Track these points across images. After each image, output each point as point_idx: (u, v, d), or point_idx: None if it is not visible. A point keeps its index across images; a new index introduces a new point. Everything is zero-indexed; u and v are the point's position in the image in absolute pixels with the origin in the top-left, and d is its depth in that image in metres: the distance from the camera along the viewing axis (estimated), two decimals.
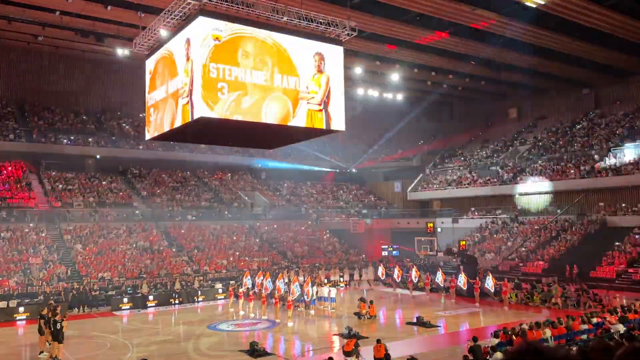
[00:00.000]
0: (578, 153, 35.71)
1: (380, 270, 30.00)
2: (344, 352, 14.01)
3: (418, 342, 17.25)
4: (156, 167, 38.21)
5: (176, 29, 15.68)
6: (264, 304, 22.39)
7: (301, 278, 24.72)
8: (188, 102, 14.80)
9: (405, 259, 33.99)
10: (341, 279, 30.68)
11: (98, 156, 35.86)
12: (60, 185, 32.79)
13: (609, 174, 31.70)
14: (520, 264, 30.07)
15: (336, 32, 16.70)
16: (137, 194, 35.43)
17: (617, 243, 28.50)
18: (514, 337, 13.11)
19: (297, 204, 40.93)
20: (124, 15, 26.15)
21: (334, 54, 16.85)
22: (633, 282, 25.33)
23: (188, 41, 14.96)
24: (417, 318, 19.79)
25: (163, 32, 16.22)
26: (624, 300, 20.67)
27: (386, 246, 35.27)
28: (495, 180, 38.32)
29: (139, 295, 24.69)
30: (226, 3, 14.69)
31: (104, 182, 34.75)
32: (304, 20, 16.03)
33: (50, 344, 15.42)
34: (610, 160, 32.71)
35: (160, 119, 17.15)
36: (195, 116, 14.48)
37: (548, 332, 13.67)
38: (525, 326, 13.97)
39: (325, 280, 26.87)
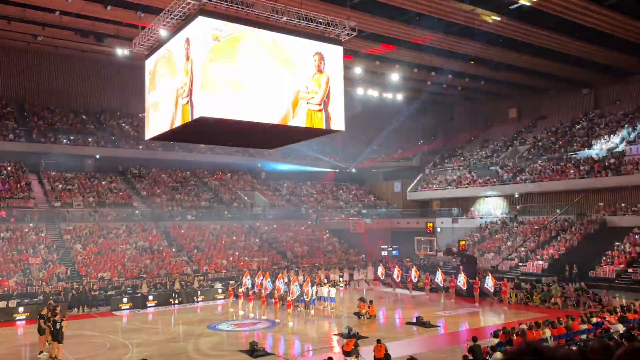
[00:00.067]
0: (578, 153, 35.72)
1: (380, 270, 30.01)
2: (344, 352, 14.01)
3: (418, 342, 17.25)
4: (156, 167, 38.20)
5: (176, 29, 15.68)
6: (264, 304, 22.40)
7: (301, 278, 24.73)
8: (188, 102, 14.80)
9: (405, 258, 33.98)
10: (341, 279, 30.69)
11: (98, 156, 35.86)
12: (60, 185, 32.78)
13: (608, 173, 31.71)
14: (520, 264, 30.08)
15: (336, 32, 16.70)
16: (136, 194, 35.42)
17: (616, 243, 28.51)
18: (513, 337, 13.11)
19: (297, 204, 40.93)
20: (123, 15, 26.13)
21: (334, 54, 16.85)
22: (633, 282, 25.33)
23: (188, 41, 14.96)
24: (417, 318, 19.80)
25: (163, 32, 16.21)
26: (624, 300, 20.68)
27: (386, 246, 35.26)
28: (495, 180, 38.33)
29: (139, 295, 24.69)
30: (226, 3, 14.69)
31: (103, 182, 34.74)
32: (303, 20, 16.02)
33: (50, 344, 15.42)
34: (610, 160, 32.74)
35: (160, 118, 17.15)
36: (195, 116, 14.48)
37: (548, 332, 13.68)
38: (524, 326, 13.97)
39: (325, 280, 26.88)
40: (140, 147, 36.50)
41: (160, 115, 17.14)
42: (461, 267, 27.62)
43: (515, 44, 30.38)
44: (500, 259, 31.72)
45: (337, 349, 15.57)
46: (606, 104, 39.74)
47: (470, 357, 11.95)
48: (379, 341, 13.56)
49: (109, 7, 25.25)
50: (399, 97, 44.93)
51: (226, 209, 36.94)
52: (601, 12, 25.91)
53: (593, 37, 29.20)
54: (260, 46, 15.32)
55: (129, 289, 25.45)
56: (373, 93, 43.42)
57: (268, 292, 23.03)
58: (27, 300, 22.69)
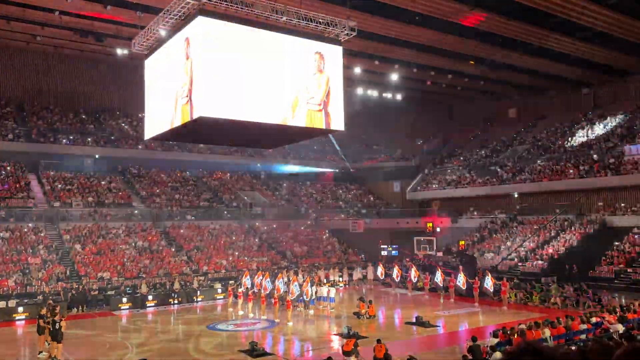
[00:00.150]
0: (577, 153, 35.73)
1: (380, 269, 30.00)
2: (343, 352, 14.00)
3: (417, 342, 17.26)
4: (155, 167, 38.18)
5: (175, 29, 15.67)
6: (263, 303, 22.41)
7: (300, 278, 24.73)
8: (187, 102, 14.79)
9: (404, 258, 33.99)
10: (340, 279, 30.69)
11: (97, 156, 35.84)
12: (59, 185, 32.76)
13: (608, 173, 31.72)
14: (520, 264, 30.07)
15: (335, 32, 16.69)
16: (136, 194, 35.40)
17: (616, 243, 28.51)
18: (513, 337, 13.10)
19: (297, 203, 40.93)
20: (123, 15, 26.13)
21: (334, 53, 16.85)
22: (632, 281, 25.33)
23: (187, 41, 14.95)
24: (416, 318, 19.80)
25: (162, 32, 16.20)
26: (623, 300, 20.68)
27: (385, 246, 35.26)
28: (494, 180, 38.34)
29: (138, 295, 24.68)
30: (225, 3, 14.68)
31: (103, 182, 34.72)
32: (303, 20, 16.02)
33: (49, 344, 15.42)
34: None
35: (160, 118, 17.14)
36: (195, 116, 14.48)
37: (547, 332, 13.67)
38: (524, 326, 13.97)
39: (325, 280, 26.88)
40: (140, 147, 36.48)
41: (159, 115, 17.14)
42: (461, 267, 27.63)
43: (515, 44, 30.38)
44: (499, 258, 31.72)
45: (337, 349, 15.56)
46: (605, 103, 39.76)
47: (470, 357, 11.95)
48: (379, 341, 13.56)
49: (108, 7, 25.25)
50: (399, 97, 44.92)
51: (225, 209, 36.94)
52: (601, 12, 25.92)
53: (593, 37, 29.22)
54: (260, 46, 15.31)
55: (128, 289, 25.43)
56: (373, 93, 43.43)
57: (267, 292, 23.03)
58: (26, 300, 22.68)
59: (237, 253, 32.07)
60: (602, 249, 28.50)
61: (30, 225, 29.05)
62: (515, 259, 30.79)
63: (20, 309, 21.88)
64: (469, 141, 47.24)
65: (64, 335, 15.45)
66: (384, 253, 34.85)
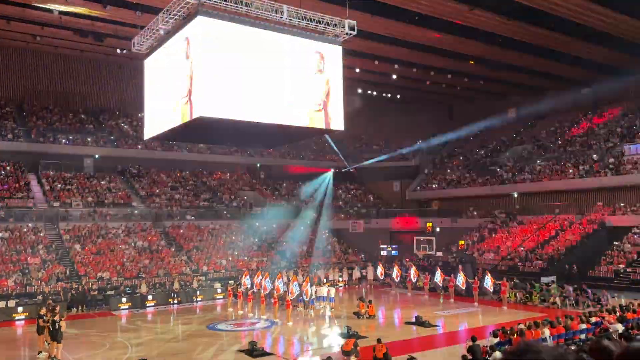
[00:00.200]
0: (577, 153, 35.74)
1: (379, 269, 30.00)
2: (343, 352, 14.01)
3: (417, 342, 17.25)
4: (155, 167, 38.16)
5: (175, 28, 15.67)
6: (263, 303, 22.41)
7: (300, 277, 24.73)
8: (187, 101, 14.79)
9: (404, 258, 33.98)
10: (340, 279, 30.68)
11: (97, 156, 35.82)
12: (59, 185, 32.75)
13: (607, 173, 31.72)
14: (519, 264, 30.08)
15: (335, 32, 16.69)
16: (135, 194, 35.39)
17: (615, 243, 28.52)
18: (512, 336, 13.10)
19: (296, 203, 40.90)
20: (122, 14, 26.11)
21: (334, 53, 16.85)
22: (632, 281, 25.35)
23: (187, 40, 14.95)
24: (416, 318, 19.79)
25: (162, 32, 16.19)
26: (623, 300, 20.68)
27: (385, 246, 35.26)
28: (494, 179, 38.35)
29: (138, 295, 24.67)
30: (225, 2, 14.68)
31: (102, 182, 34.70)
32: (303, 19, 16.01)
33: (48, 344, 15.41)
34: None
35: (159, 118, 17.14)
36: (194, 116, 14.48)
37: (547, 332, 13.67)
38: (523, 326, 13.97)
39: (324, 280, 26.87)
40: (140, 146, 36.47)
41: (159, 115, 17.14)
42: (460, 266, 27.62)
43: (515, 44, 30.37)
44: (499, 258, 31.73)
45: (336, 349, 15.56)
46: (605, 103, 39.75)
47: (470, 357, 11.95)
48: (379, 341, 13.57)
49: (108, 7, 25.24)
50: (398, 96, 44.88)
51: (225, 208, 36.93)
52: (601, 12, 25.92)
53: (593, 36, 29.20)
54: (259, 46, 15.31)
55: (128, 288, 25.43)
56: (372, 93, 43.41)
57: (267, 291, 23.02)
58: (26, 300, 22.68)
59: (236, 253, 32.06)
60: (601, 248, 28.51)
61: (29, 225, 29.04)
62: (515, 259, 30.80)
63: (20, 309, 21.88)
64: (468, 141, 47.25)
65: (64, 335, 15.45)
66: (383, 253, 34.86)
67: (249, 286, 23.86)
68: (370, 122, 46.60)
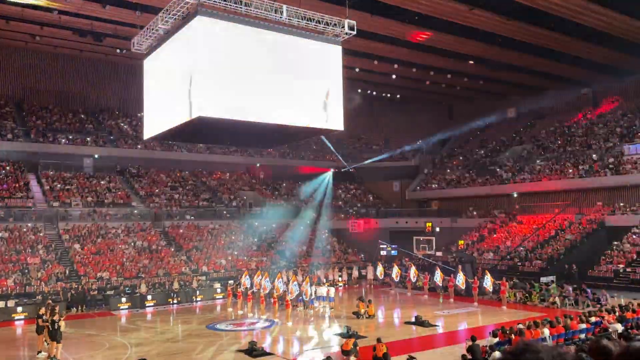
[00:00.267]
0: (576, 152, 35.76)
1: (379, 269, 30.00)
2: (343, 352, 14.00)
3: (416, 342, 17.25)
4: (154, 167, 38.16)
5: (175, 28, 15.66)
6: (263, 303, 22.41)
7: (300, 277, 24.72)
8: (187, 101, 14.78)
9: (404, 258, 33.98)
10: (340, 279, 30.69)
11: (96, 156, 35.81)
12: (59, 185, 32.74)
13: (607, 173, 31.73)
14: (519, 264, 30.09)
15: (335, 32, 16.68)
16: (135, 194, 35.38)
17: (615, 242, 28.53)
18: (512, 336, 13.10)
19: (296, 203, 40.90)
20: (122, 14, 26.11)
21: (333, 53, 16.84)
22: (631, 281, 25.36)
23: (187, 40, 14.94)
24: (416, 317, 19.79)
25: (161, 31, 16.18)
26: (622, 300, 20.69)
27: (385, 246, 35.26)
28: (494, 179, 38.36)
29: (137, 295, 24.66)
30: (224, 2, 14.67)
31: (102, 182, 34.70)
32: (302, 19, 16.00)
33: (48, 344, 15.40)
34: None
35: (159, 118, 17.13)
36: (194, 115, 14.47)
37: (546, 331, 13.67)
38: (522, 326, 13.97)
39: (324, 280, 26.88)
40: (139, 146, 36.47)
41: (159, 115, 17.13)
42: (460, 266, 27.61)
43: (515, 44, 30.37)
44: (499, 258, 31.74)
45: (336, 349, 15.56)
46: (605, 103, 39.77)
47: (469, 357, 11.95)
48: (379, 340, 13.57)
49: (107, 7, 25.23)
50: (398, 96, 44.87)
51: (225, 208, 36.93)
52: (601, 12, 25.92)
53: (592, 36, 29.21)
54: (259, 46, 15.31)
55: (127, 288, 25.42)
56: (372, 92, 43.41)
57: (267, 291, 23.02)
58: (25, 300, 22.67)
59: (236, 253, 32.06)
60: (601, 248, 28.53)
61: (29, 225, 29.03)
62: (515, 259, 30.81)
63: (20, 308, 21.88)
64: (468, 141, 47.26)
65: (63, 335, 15.44)
66: (383, 253, 34.85)
67: (248, 286, 23.86)
68: (370, 122, 46.61)
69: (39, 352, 15.71)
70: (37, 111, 36.72)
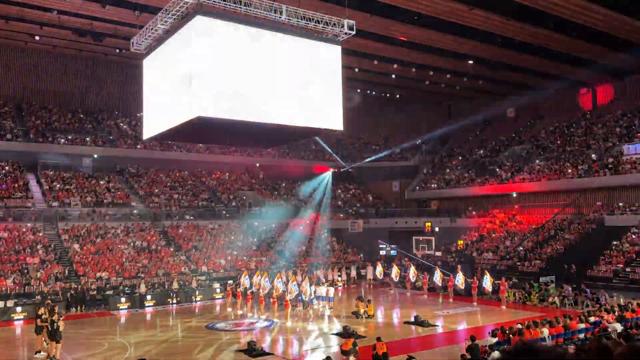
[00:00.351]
0: (576, 152, 35.77)
1: (379, 269, 30.00)
2: (342, 352, 14.00)
3: (416, 342, 17.25)
4: (154, 167, 38.15)
5: (174, 28, 15.65)
6: (262, 303, 22.40)
7: (299, 277, 24.72)
8: (186, 101, 14.78)
9: (403, 258, 34.00)
10: (339, 278, 30.69)
11: (95, 155, 35.79)
12: (58, 185, 32.72)
13: (606, 173, 31.75)
14: (518, 263, 30.10)
15: (334, 32, 16.68)
16: (134, 194, 35.37)
17: (614, 242, 28.54)
18: (511, 336, 13.11)
19: (295, 203, 40.90)
20: (121, 14, 26.10)
21: (333, 53, 16.84)
22: (630, 281, 25.37)
23: (186, 40, 14.94)
24: (415, 317, 19.79)
25: (161, 31, 16.18)
26: (621, 299, 20.71)
27: (384, 245, 35.27)
28: (493, 179, 38.37)
29: (137, 294, 24.65)
30: (224, 2, 14.67)
31: (101, 182, 34.68)
32: (302, 19, 16.00)
33: (47, 344, 15.40)
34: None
35: (158, 118, 17.13)
36: (193, 115, 14.47)
37: (545, 331, 13.68)
38: (521, 325, 13.98)
39: (324, 280, 26.88)
40: (138, 146, 36.45)
41: (158, 115, 17.12)
42: (459, 266, 27.63)
43: (514, 44, 30.38)
44: (498, 258, 31.75)
45: (335, 349, 15.56)
46: (604, 103, 39.78)
47: (469, 357, 11.95)
48: (379, 339, 13.57)
49: (106, 7, 25.23)
50: (398, 96, 44.87)
51: (224, 208, 36.92)
52: (600, 12, 25.93)
53: (592, 36, 29.22)
54: (258, 46, 15.30)
55: (127, 288, 25.40)
56: (372, 92, 43.42)
57: (266, 291, 23.02)
58: (24, 300, 22.64)
59: (235, 252, 32.05)
60: (600, 248, 28.53)
61: (28, 225, 29.01)
62: (514, 259, 30.83)
63: (19, 308, 21.86)
64: (467, 140, 47.27)
65: (62, 335, 15.43)
66: (382, 252, 34.87)
67: (247, 286, 23.86)
68: (369, 121, 46.60)
69: (38, 352, 15.70)
70: (37, 111, 36.69)
